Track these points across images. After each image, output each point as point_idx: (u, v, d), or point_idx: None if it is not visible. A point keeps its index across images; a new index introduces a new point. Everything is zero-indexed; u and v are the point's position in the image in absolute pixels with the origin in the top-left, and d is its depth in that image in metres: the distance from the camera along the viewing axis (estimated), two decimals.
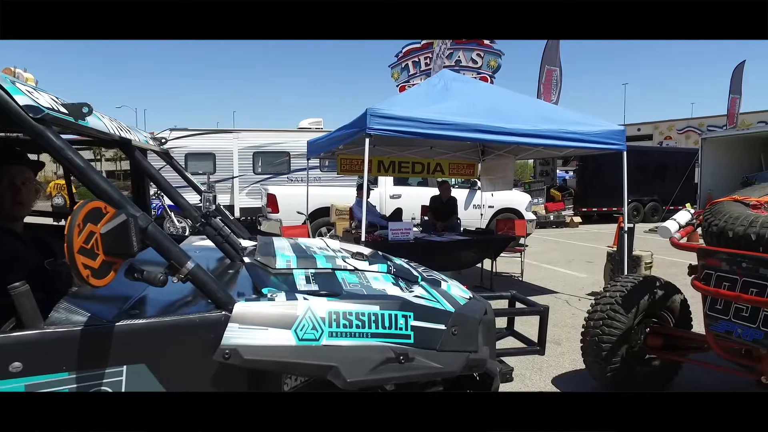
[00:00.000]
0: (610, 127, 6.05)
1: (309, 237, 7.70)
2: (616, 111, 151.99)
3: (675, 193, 14.78)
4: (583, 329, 3.55)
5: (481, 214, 9.38)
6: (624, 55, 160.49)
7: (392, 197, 9.92)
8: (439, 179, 8.45)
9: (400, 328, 1.49)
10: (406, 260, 2.32)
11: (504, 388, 1.91)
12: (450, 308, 1.65)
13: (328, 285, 1.61)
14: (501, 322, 2.25)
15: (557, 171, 20.01)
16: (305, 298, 1.49)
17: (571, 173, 19.86)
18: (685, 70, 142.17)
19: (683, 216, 3.15)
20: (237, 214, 11.46)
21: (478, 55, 22.95)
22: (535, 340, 2.28)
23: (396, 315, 1.50)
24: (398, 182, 10.07)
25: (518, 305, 2.36)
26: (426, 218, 8.36)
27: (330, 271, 1.76)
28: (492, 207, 10.59)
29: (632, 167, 16.89)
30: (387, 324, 1.48)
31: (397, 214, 8.37)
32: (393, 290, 1.67)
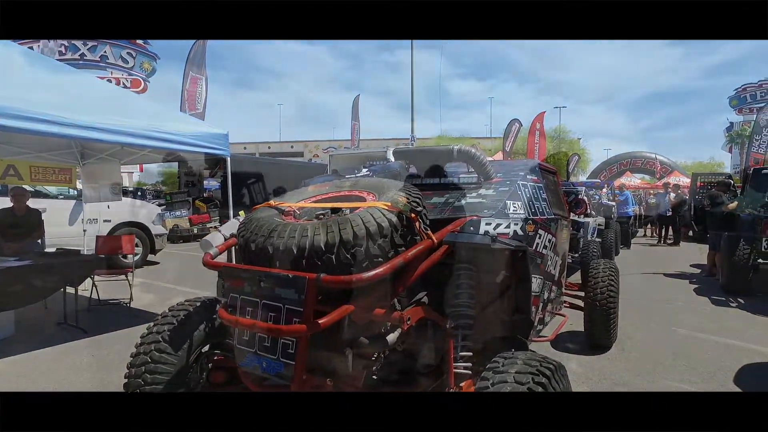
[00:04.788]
0: (211, 130, 5.50)
1: None
2: (273, 129, 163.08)
3: None
4: (125, 380, 2.69)
5: (84, 230, 7.55)
6: (282, 78, 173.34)
7: None
8: (12, 186, 6.40)
9: None
10: None
11: None
12: None
13: None
14: None
15: (206, 182, 19.20)
16: None
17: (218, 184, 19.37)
18: (331, 96, 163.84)
19: (231, 226, 2.66)
20: None
21: (129, 54, 21.51)
22: None
23: None
24: None
25: None
26: None
27: None
28: (109, 221, 8.83)
29: (278, 179, 17.73)
30: None
31: None
32: None
